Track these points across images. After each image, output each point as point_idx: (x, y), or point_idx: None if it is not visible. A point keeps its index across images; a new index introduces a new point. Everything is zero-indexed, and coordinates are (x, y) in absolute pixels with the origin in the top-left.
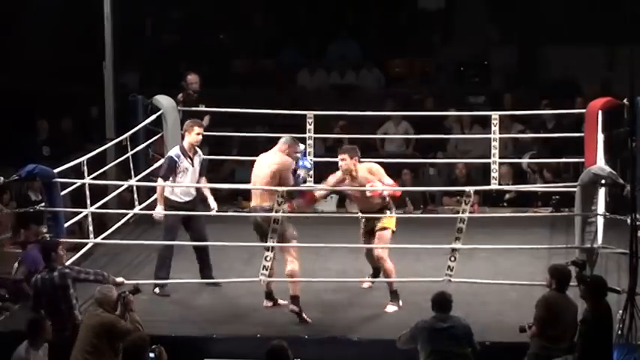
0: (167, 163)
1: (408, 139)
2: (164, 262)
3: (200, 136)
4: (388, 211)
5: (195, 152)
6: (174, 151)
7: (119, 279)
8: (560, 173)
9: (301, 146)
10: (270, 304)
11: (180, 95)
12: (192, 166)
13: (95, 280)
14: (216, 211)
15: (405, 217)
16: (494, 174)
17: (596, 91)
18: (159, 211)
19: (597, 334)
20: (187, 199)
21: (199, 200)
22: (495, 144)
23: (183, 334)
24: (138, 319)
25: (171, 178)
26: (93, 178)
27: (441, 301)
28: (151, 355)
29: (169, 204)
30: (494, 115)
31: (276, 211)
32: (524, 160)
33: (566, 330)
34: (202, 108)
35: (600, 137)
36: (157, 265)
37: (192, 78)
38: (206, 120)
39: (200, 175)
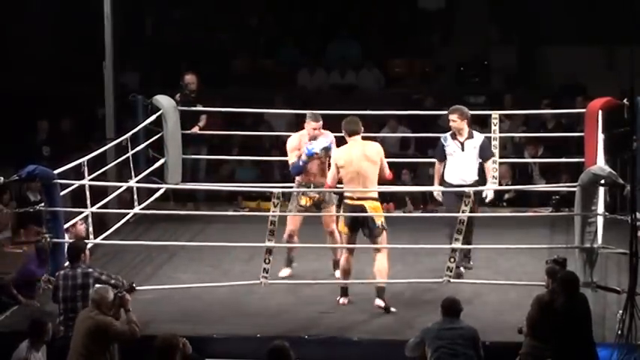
0: (438, 146)
1: (407, 140)
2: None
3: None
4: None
5: (470, 137)
6: (444, 135)
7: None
8: (559, 173)
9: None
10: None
11: (178, 95)
12: (462, 150)
13: (114, 285)
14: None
15: (405, 217)
16: (495, 174)
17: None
18: (437, 190)
19: (570, 328)
20: (460, 182)
21: (479, 184)
22: (495, 144)
23: (183, 334)
24: (134, 319)
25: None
26: (93, 179)
27: (451, 307)
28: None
29: (445, 185)
30: (494, 114)
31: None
32: (526, 160)
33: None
34: (199, 108)
35: (600, 137)
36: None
37: (190, 78)
38: (203, 120)
39: (483, 159)
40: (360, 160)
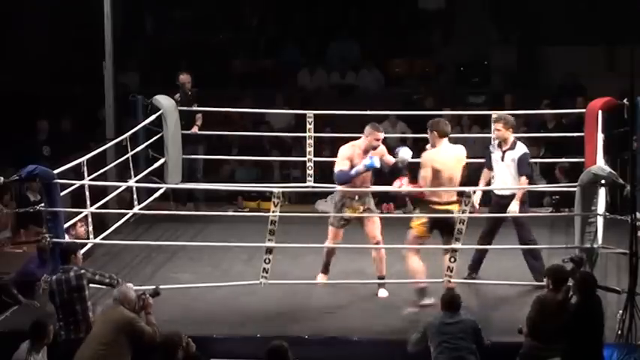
0: (487, 151)
1: (403, 139)
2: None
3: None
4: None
5: (511, 148)
6: (495, 141)
7: (129, 284)
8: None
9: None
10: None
11: (177, 95)
12: (502, 160)
13: (109, 284)
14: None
15: (405, 217)
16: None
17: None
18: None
19: (583, 329)
20: (502, 193)
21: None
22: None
23: (183, 333)
24: (154, 321)
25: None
26: (93, 179)
27: (450, 301)
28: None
29: (490, 194)
30: (494, 114)
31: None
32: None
33: (560, 331)
34: (195, 108)
35: (600, 137)
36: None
37: (185, 78)
38: (200, 119)
39: (519, 173)
40: (454, 163)
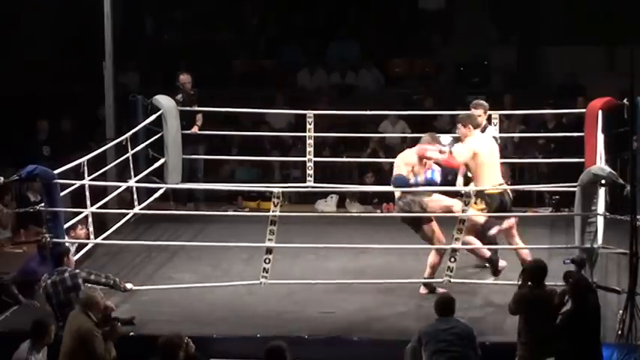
0: None
1: (404, 138)
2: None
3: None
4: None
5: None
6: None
7: (129, 285)
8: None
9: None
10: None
11: (180, 96)
12: None
13: (105, 284)
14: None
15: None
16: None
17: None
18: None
19: (578, 331)
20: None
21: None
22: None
23: (183, 334)
24: (114, 353)
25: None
26: (93, 179)
27: (443, 306)
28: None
29: None
30: (494, 114)
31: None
32: (527, 160)
33: (553, 333)
34: (195, 108)
35: (600, 137)
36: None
37: (185, 78)
38: (200, 119)
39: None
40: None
